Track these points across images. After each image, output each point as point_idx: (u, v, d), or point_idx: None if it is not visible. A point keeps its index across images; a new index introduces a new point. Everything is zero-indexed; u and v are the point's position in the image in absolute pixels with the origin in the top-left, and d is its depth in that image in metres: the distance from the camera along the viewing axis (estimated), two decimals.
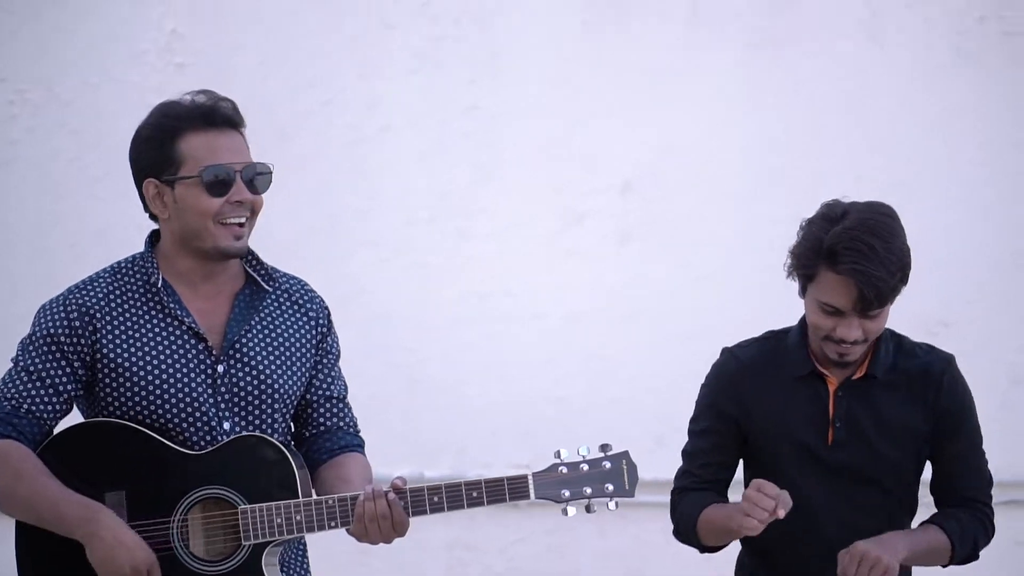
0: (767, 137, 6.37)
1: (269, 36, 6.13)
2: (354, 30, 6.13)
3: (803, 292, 3.47)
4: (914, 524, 3.61)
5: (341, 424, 3.39)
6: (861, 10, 6.39)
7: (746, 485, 3.40)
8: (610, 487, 3.13)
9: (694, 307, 6.20)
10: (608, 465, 3.13)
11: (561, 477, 3.12)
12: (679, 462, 3.59)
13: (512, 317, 6.27)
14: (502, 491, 3.12)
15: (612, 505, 3.13)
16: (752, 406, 3.49)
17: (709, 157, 6.34)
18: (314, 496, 3.18)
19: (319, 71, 6.11)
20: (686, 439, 3.62)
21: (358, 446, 3.41)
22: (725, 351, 3.61)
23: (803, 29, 6.40)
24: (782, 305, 6.62)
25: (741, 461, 3.62)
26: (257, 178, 3.26)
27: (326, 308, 3.44)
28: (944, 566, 3.60)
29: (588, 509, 3.14)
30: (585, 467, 3.13)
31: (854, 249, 3.33)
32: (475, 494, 3.11)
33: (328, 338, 3.41)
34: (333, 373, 3.41)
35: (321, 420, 3.37)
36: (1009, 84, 6.47)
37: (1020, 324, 6.53)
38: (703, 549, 3.54)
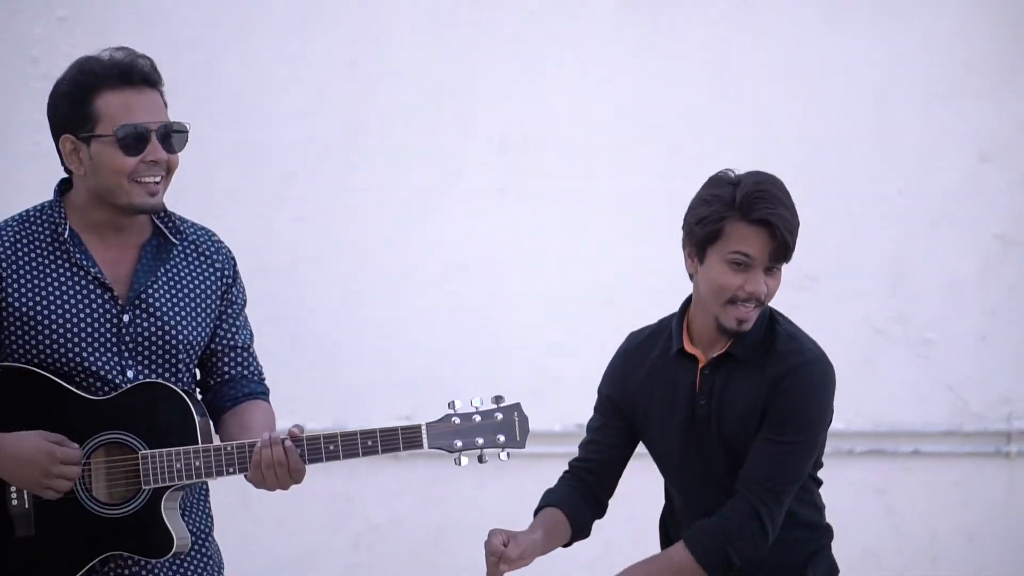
0: (639, 95, 6.48)
1: None
2: None
3: (700, 259, 3.47)
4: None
5: (245, 373, 3.43)
6: None
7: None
8: (502, 438, 3.19)
9: (571, 260, 6.29)
10: (500, 416, 3.20)
11: (454, 427, 3.18)
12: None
13: (391, 271, 6.33)
14: (396, 440, 3.18)
15: (504, 455, 3.20)
16: (630, 386, 3.53)
17: (584, 116, 6.44)
18: (214, 443, 3.22)
19: (199, 28, 6.12)
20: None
21: (262, 393, 3.45)
22: (627, 336, 3.65)
23: None
24: (659, 255, 6.69)
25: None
26: (172, 137, 3.27)
27: (232, 259, 3.47)
28: None
29: (480, 459, 3.20)
30: (478, 418, 3.19)
31: (766, 198, 3.44)
32: (370, 442, 3.16)
33: (233, 288, 3.45)
34: (238, 323, 3.44)
35: (226, 369, 3.41)
36: (881, 39, 6.62)
37: (883, 279, 6.69)
38: None
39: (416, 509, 6.19)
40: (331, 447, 3.17)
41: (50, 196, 5.91)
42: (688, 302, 3.56)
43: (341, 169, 6.30)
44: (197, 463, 3.16)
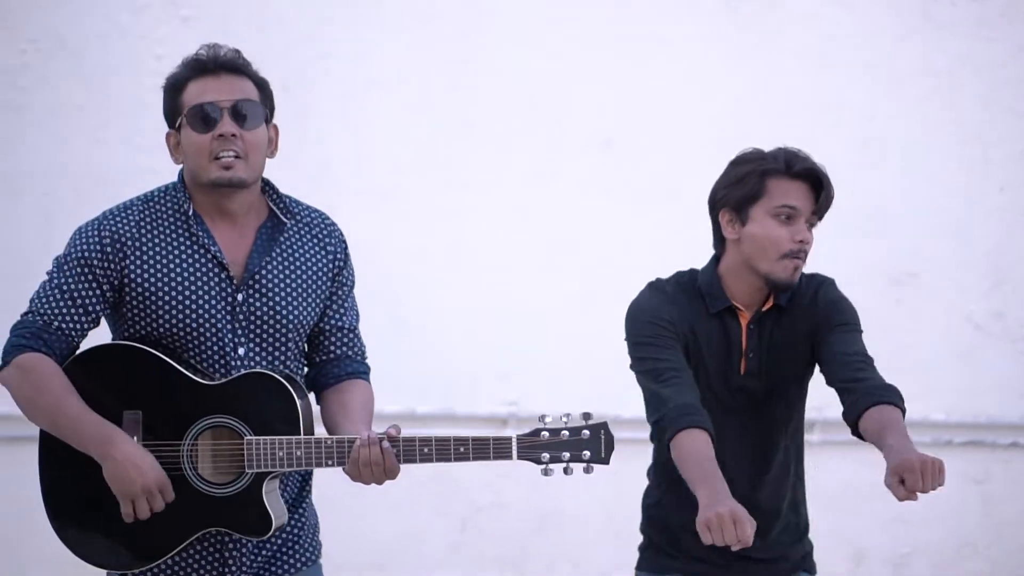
0: (742, 94, 6.56)
1: None
2: None
3: (743, 221, 3.63)
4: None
5: (349, 353, 3.53)
6: None
7: None
8: (587, 454, 3.30)
9: (668, 258, 6.36)
10: (587, 434, 3.31)
11: (543, 441, 3.31)
12: None
13: (495, 265, 6.42)
14: (487, 449, 3.29)
15: (588, 471, 3.32)
16: (686, 331, 3.62)
17: (685, 114, 6.53)
18: (316, 431, 3.34)
19: (315, 25, 6.24)
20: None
21: (363, 373, 3.55)
22: (649, 283, 3.73)
23: None
24: None
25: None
26: (246, 113, 3.39)
27: (343, 241, 3.57)
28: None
29: (566, 471, 3.32)
30: (565, 434, 3.31)
31: (803, 156, 3.64)
32: (462, 449, 3.28)
33: (344, 270, 3.55)
34: (346, 304, 3.55)
35: (332, 348, 3.52)
36: (976, 44, 6.66)
37: (983, 275, 6.73)
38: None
39: (521, 494, 6.29)
40: (425, 450, 3.28)
41: None
42: (713, 268, 3.69)
43: (444, 164, 6.41)
44: (298, 453, 3.27)
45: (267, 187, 3.52)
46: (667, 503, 3.72)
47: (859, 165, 6.62)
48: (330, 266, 3.52)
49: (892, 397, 3.54)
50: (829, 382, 3.62)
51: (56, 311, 3.38)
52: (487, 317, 6.27)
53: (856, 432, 3.55)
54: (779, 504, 3.68)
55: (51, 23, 6.12)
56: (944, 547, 6.77)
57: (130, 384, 3.34)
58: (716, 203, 3.68)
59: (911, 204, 6.67)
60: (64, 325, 3.37)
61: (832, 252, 6.59)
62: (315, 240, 3.52)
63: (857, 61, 6.62)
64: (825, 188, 3.60)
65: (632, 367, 3.67)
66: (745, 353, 3.62)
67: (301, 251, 3.50)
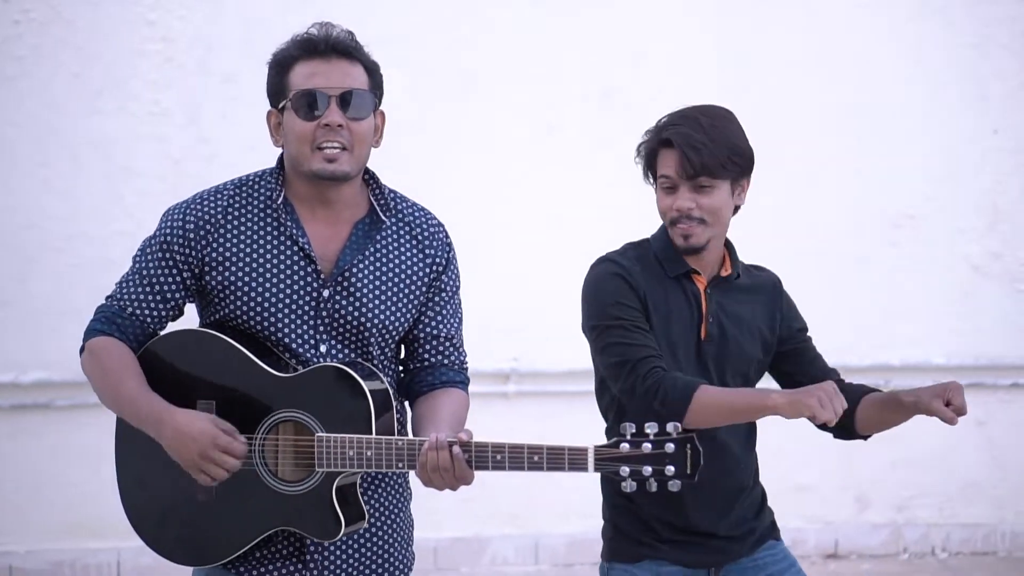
0: (737, 50, 6.56)
1: None
2: None
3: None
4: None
5: (445, 361, 3.37)
6: None
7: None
8: (671, 469, 3.03)
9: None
10: (671, 447, 3.03)
11: (622, 454, 3.04)
12: None
13: (497, 222, 6.45)
14: (562, 460, 3.06)
15: (673, 487, 3.04)
16: (647, 300, 3.53)
17: (681, 65, 6.54)
18: (387, 436, 3.16)
19: None
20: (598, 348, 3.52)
21: (460, 383, 3.37)
22: (603, 259, 3.61)
23: None
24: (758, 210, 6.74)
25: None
26: (351, 101, 3.20)
27: (448, 244, 3.38)
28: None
29: (647, 487, 3.05)
30: (648, 447, 3.04)
31: (678, 123, 3.52)
32: (536, 458, 3.06)
33: (444, 276, 3.36)
34: (445, 311, 3.37)
35: (426, 356, 3.36)
36: None
37: (980, 217, 6.74)
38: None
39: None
40: (498, 457, 3.07)
41: (167, 154, 6.14)
42: (664, 235, 3.62)
43: (442, 124, 6.41)
44: (368, 453, 3.11)
45: (371, 180, 3.33)
46: (637, 493, 3.48)
47: (854, 110, 6.63)
48: (427, 270, 3.34)
49: (858, 385, 3.59)
50: (800, 382, 3.58)
51: (132, 296, 3.27)
52: (490, 276, 6.23)
53: (853, 430, 3.56)
54: (748, 480, 3.65)
55: None
56: (947, 489, 6.81)
57: (206, 372, 3.22)
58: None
59: (907, 147, 6.68)
60: (138, 311, 3.27)
61: (829, 197, 6.64)
62: (415, 242, 3.33)
63: (853, 3, 6.61)
64: (686, 151, 3.48)
65: (598, 351, 3.54)
66: (705, 317, 3.56)
67: (397, 252, 3.31)
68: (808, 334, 3.70)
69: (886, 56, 6.63)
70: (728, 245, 3.65)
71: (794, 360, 3.66)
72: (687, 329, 3.55)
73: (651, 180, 3.58)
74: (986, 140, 6.70)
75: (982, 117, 6.69)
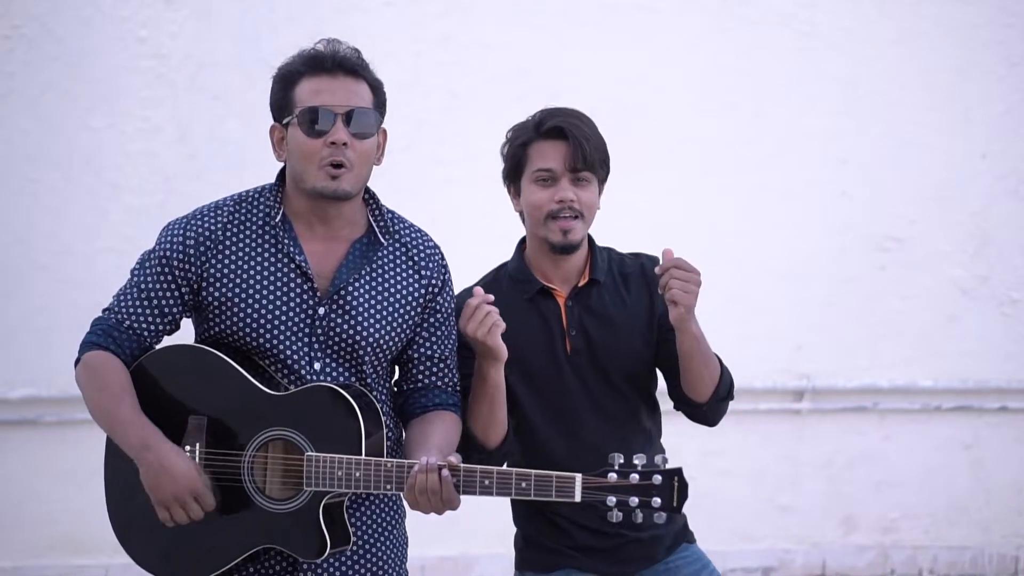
0: (724, 63, 6.55)
1: None
2: None
3: (518, 192, 3.56)
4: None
5: (439, 383, 3.37)
6: None
7: None
8: (658, 501, 3.06)
9: (653, 228, 6.37)
10: (659, 479, 3.06)
11: (609, 483, 3.06)
12: None
13: (487, 238, 6.42)
14: (549, 487, 3.08)
15: (659, 519, 3.07)
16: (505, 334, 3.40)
17: (669, 86, 6.54)
18: (376, 457, 3.17)
19: (299, 5, 6.22)
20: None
21: (452, 405, 3.37)
22: (460, 294, 3.53)
23: None
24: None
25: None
26: (357, 119, 3.21)
27: (443, 266, 3.39)
28: (703, 400, 3.53)
29: (632, 518, 3.09)
30: (635, 477, 3.06)
31: (557, 114, 3.52)
32: (523, 485, 3.08)
33: (439, 297, 3.37)
34: (439, 333, 3.37)
35: (420, 377, 3.36)
36: (953, 7, 6.68)
37: (967, 240, 6.74)
38: None
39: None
40: (486, 482, 3.09)
41: (157, 171, 6.14)
42: (521, 248, 3.62)
43: (435, 142, 6.41)
44: (357, 474, 3.11)
45: (371, 200, 3.34)
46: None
47: (841, 132, 6.64)
48: (422, 292, 3.35)
49: (726, 373, 3.59)
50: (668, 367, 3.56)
51: (130, 310, 3.27)
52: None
53: (688, 400, 3.53)
54: None
55: (34, 9, 6.11)
56: (934, 511, 6.81)
57: (198, 388, 3.22)
58: (504, 184, 3.61)
59: (894, 170, 6.69)
60: (136, 325, 3.26)
61: (816, 220, 6.65)
62: (410, 263, 3.34)
63: (837, 27, 6.63)
64: (575, 143, 3.47)
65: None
66: (567, 332, 3.54)
67: (393, 273, 3.32)
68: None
69: (872, 79, 6.65)
70: (592, 246, 3.61)
71: (667, 344, 3.55)
72: (547, 349, 3.54)
73: (513, 181, 3.55)
74: (973, 163, 6.71)
75: (969, 141, 6.70)
